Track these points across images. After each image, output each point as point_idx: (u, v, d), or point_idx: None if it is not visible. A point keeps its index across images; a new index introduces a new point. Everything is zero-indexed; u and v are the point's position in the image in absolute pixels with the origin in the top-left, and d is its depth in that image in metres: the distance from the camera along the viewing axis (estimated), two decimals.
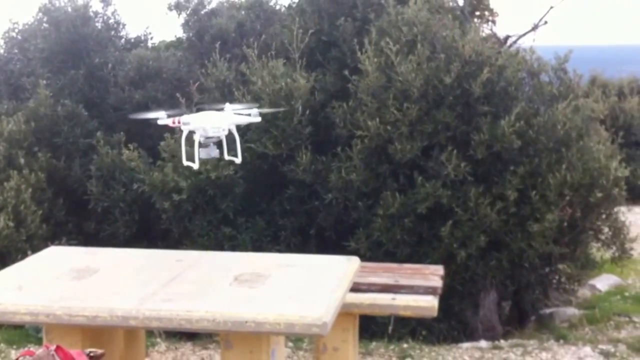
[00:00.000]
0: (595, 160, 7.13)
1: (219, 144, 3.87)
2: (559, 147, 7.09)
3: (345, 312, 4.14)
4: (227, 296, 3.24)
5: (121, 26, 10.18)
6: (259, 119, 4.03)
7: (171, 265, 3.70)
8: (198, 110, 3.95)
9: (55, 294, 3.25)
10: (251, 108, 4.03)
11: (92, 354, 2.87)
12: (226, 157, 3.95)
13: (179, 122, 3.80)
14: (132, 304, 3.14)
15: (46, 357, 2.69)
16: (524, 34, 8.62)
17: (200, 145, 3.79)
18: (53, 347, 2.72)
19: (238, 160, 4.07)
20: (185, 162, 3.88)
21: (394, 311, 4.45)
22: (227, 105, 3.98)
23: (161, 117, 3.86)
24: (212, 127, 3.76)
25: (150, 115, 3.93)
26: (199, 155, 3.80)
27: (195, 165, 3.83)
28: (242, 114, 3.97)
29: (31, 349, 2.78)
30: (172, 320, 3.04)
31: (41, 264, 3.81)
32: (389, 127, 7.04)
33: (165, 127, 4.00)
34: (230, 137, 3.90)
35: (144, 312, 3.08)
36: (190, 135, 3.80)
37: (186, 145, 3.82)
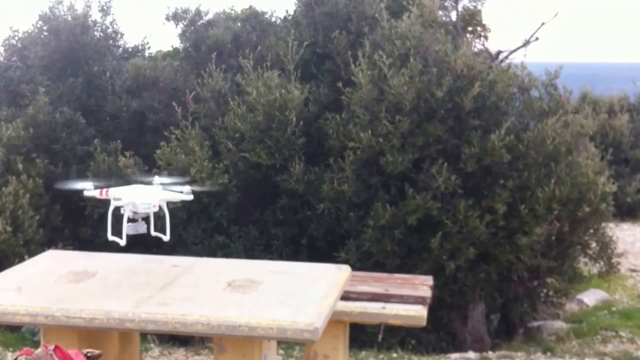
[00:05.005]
0: (584, 175, 7.18)
1: (146, 219, 3.68)
2: (548, 162, 7.16)
3: (335, 320, 4.19)
4: (221, 301, 3.28)
5: (119, 36, 10.22)
6: (190, 197, 3.78)
7: (167, 270, 3.75)
8: (127, 182, 3.77)
9: (53, 296, 3.29)
10: (182, 185, 3.80)
11: (89, 355, 2.92)
12: (152, 233, 3.76)
13: (106, 194, 3.61)
14: (128, 307, 3.18)
15: (45, 357, 2.72)
16: (515, 50, 8.72)
17: (129, 220, 3.60)
18: (51, 347, 2.76)
19: (166, 238, 3.82)
20: (111, 237, 3.65)
21: (383, 320, 4.44)
22: (156, 178, 3.80)
23: (88, 188, 3.71)
24: (142, 202, 3.58)
25: (77, 185, 3.76)
26: (126, 231, 3.59)
27: (123, 242, 3.58)
28: (173, 191, 3.76)
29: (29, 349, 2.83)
30: (167, 324, 3.09)
31: (40, 266, 3.84)
32: (381, 140, 7.11)
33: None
34: (159, 213, 3.70)
35: (139, 315, 3.12)
36: (118, 208, 3.61)
37: (112, 219, 3.60)
